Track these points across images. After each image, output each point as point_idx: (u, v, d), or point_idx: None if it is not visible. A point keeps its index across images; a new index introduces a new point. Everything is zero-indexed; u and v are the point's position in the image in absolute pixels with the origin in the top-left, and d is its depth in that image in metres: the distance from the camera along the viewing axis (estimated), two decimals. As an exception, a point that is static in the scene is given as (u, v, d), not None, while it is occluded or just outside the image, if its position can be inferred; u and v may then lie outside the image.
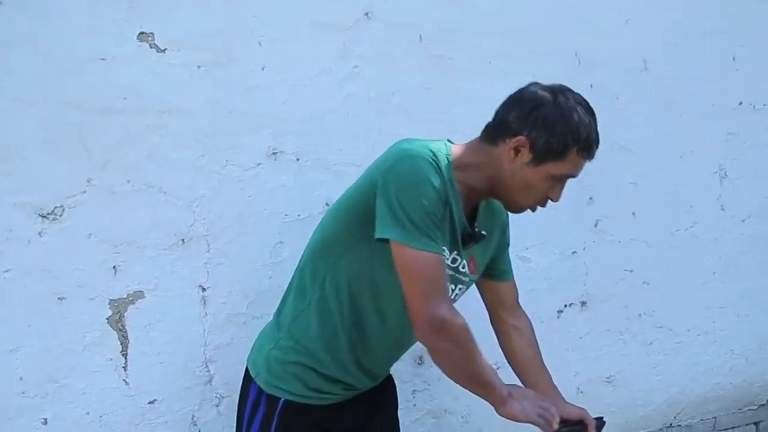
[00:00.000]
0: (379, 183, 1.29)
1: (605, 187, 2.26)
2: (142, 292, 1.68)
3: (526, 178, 1.36)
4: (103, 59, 1.60)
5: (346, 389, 1.46)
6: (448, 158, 1.35)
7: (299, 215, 1.81)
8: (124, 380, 1.68)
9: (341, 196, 1.43)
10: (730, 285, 2.52)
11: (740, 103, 2.45)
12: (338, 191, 1.46)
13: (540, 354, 1.65)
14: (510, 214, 1.54)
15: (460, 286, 1.44)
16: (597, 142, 1.38)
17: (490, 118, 1.88)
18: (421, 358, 2.03)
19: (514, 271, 2.14)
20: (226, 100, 1.73)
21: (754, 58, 2.44)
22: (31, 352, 1.59)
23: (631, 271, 2.35)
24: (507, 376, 1.54)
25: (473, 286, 1.55)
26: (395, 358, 1.53)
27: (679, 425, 2.52)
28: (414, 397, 2.03)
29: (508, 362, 1.65)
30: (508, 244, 1.62)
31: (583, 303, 2.29)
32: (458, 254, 1.40)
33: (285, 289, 1.52)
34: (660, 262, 2.39)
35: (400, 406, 1.68)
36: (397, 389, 1.67)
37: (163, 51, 1.65)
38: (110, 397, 1.67)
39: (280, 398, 1.43)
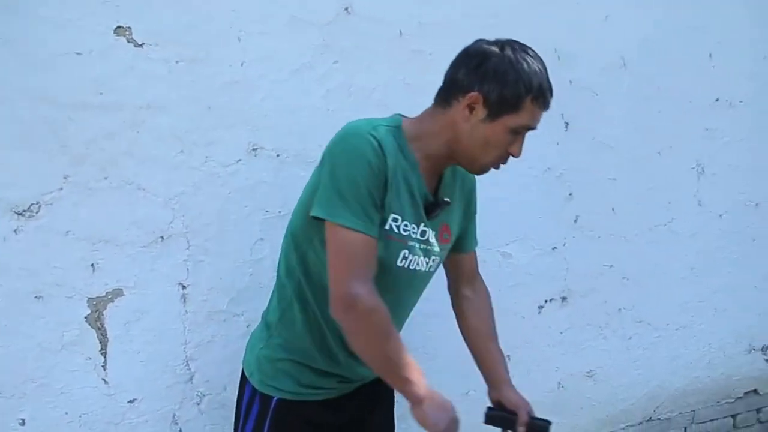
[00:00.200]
0: (321, 165, 1.32)
1: (585, 183, 2.28)
2: (121, 290, 1.66)
3: (484, 135, 1.34)
4: (78, 54, 1.58)
5: (341, 382, 1.46)
6: (397, 131, 1.34)
7: (280, 212, 1.80)
8: (103, 379, 1.66)
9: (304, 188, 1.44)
10: (707, 280, 2.56)
11: (717, 100, 2.49)
12: (319, 187, 1.45)
13: (493, 328, 1.62)
14: (476, 179, 1.53)
15: (433, 257, 1.43)
16: (550, 90, 1.36)
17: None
18: (403, 354, 2.03)
19: (495, 268, 2.17)
20: (205, 95, 1.71)
21: (730, 55, 2.47)
22: (7, 352, 1.56)
23: (611, 266, 2.37)
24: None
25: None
26: None
27: (659, 418, 2.55)
28: (398, 393, 2.03)
29: (461, 333, 1.63)
30: (474, 212, 1.60)
31: (564, 298, 2.31)
32: (425, 226, 1.39)
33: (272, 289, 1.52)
34: (639, 257, 2.41)
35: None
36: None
37: (141, 46, 1.63)
38: (89, 397, 1.65)
39: (273, 397, 1.43)
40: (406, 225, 1.35)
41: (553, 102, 2.12)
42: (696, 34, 2.40)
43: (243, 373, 1.51)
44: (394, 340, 1.31)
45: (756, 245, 2.63)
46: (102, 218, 1.62)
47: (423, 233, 1.39)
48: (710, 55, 2.44)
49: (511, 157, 1.39)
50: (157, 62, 1.65)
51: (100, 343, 1.65)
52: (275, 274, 1.52)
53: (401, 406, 1.97)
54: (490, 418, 1.53)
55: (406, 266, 1.39)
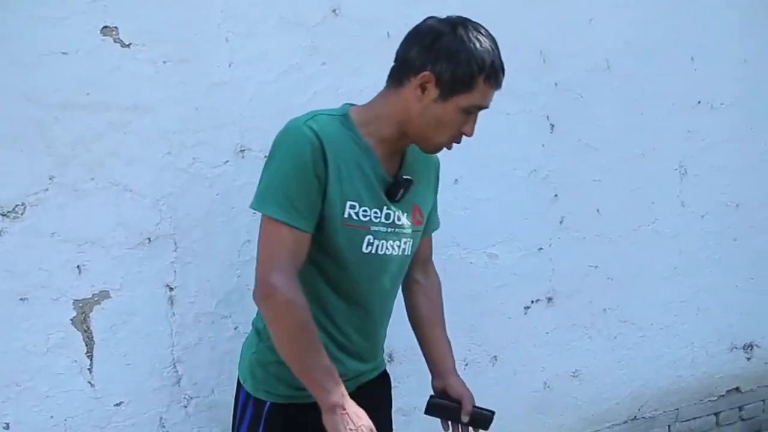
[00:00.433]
0: None
1: (570, 185, 2.29)
2: (107, 292, 1.64)
3: (437, 115, 1.33)
4: (65, 53, 1.56)
5: None
6: (344, 119, 1.35)
7: (268, 213, 1.80)
8: (89, 382, 1.65)
9: None
10: (690, 280, 2.59)
11: (699, 102, 2.52)
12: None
13: (440, 316, 1.61)
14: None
15: (404, 239, 1.43)
16: (502, 68, 1.35)
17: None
18: (390, 355, 2.04)
19: (482, 268, 2.18)
20: (193, 96, 1.70)
21: (712, 58, 2.50)
22: (-9, 355, 1.55)
23: (596, 266, 2.39)
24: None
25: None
26: (371, 332, 1.48)
27: (643, 417, 2.58)
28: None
29: (408, 317, 1.63)
30: (437, 194, 1.59)
31: (549, 299, 2.32)
32: (389, 208, 1.39)
33: None
34: (623, 257, 2.43)
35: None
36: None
37: (128, 46, 1.62)
38: (75, 400, 1.63)
39: (265, 402, 1.42)
40: (365, 210, 1.35)
41: (539, 104, 2.20)
42: (678, 38, 2.43)
43: (239, 379, 1.50)
44: (308, 337, 1.29)
45: (737, 245, 2.67)
46: (88, 219, 1.61)
47: (387, 216, 1.38)
48: (692, 59, 2.47)
49: (464, 136, 1.38)
50: (144, 62, 1.64)
51: (86, 345, 1.64)
52: None
53: (402, 397, 1.99)
54: (433, 407, 1.53)
55: (374, 252, 1.38)
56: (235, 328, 1.78)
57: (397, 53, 1.38)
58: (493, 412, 1.51)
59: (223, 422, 1.71)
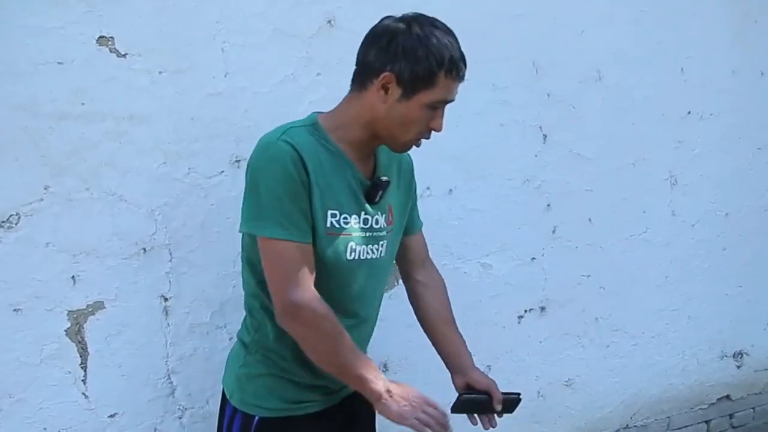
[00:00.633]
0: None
1: (563, 194, 2.31)
2: (102, 302, 1.64)
3: (402, 114, 1.33)
4: (60, 63, 1.56)
5: (326, 394, 1.45)
6: (314, 128, 1.34)
7: (263, 223, 1.80)
8: (83, 394, 1.64)
9: None
10: (681, 288, 2.61)
11: (688, 113, 2.55)
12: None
13: (450, 313, 1.60)
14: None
15: (381, 242, 1.43)
16: (463, 60, 1.34)
17: (448, 126, 1.87)
18: (385, 365, 2.04)
19: (476, 278, 2.19)
20: (188, 106, 1.70)
21: (701, 70, 2.53)
22: (-16, 367, 1.53)
23: (588, 276, 2.40)
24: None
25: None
26: (357, 338, 1.44)
27: (636, 425, 2.59)
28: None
29: (418, 321, 1.62)
30: (416, 193, 1.60)
31: (543, 308, 2.33)
32: (367, 213, 1.39)
33: None
34: (615, 266, 2.45)
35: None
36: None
37: (124, 56, 1.62)
38: (69, 412, 1.62)
39: (254, 416, 1.41)
40: (346, 218, 1.35)
41: (532, 114, 2.21)
42: (668, 49, 2.46)
43: (223, 393, 1.49)
44: (344, 341, 1.31)
45: (726, 254, 2.69)
46: (83, 230, 1.61)
47: (366, 221, 1.39)
48: (682, 70, 2.50)
49: (433, 132, 1.38)
50: (140, 73, 1.64)
51: (81, 356, 1.63)
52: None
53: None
54: (464, 403, 1.50)
55: (357, 258, 1.38)
56: (230, 339, 1.77)
57: (357, 57, 1.38)
58: (519, 393, 1.52)
59: (218, 433, 1.70)
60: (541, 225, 2.30)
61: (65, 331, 1.61)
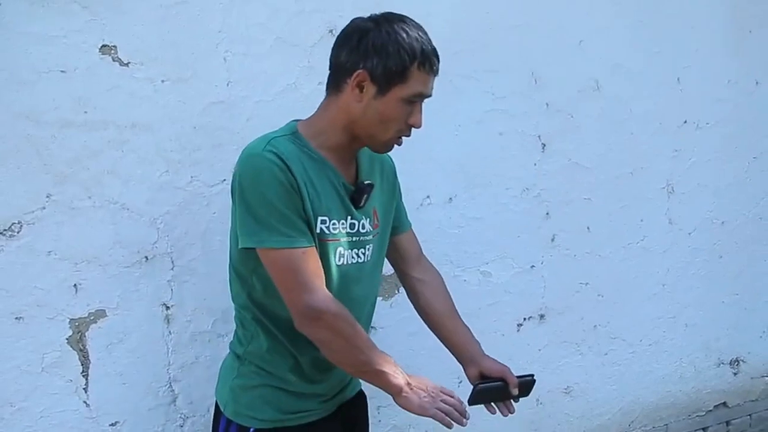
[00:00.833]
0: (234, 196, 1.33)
1: (561, 203, 2.32)
2: (103, 310, 1.64)
3: (380, 111, 1.33)
4: (63, 71, 1.57)
5: (324, 402, 1.46)
6: (294, 137, 1.35)
7: (264, 231, 1.80)
8: (84, 402, 1.63)
9: None
10: (678, 296, 2.62)
11: (685, 122, 2.57)
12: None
13: (452, 305, 1.61)
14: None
15: (368, 245, 1.43)
16: (435, 53, 1.35)
17: (447, 134, 1.89)
18: (385, 373, 2.03)
19: (475, 286, 2.20)
20: (191, 115, 1.71)
21: (697, 79, 2.56)
22: (-15, 375, 1.53)
23: (587, 283, 2.41)
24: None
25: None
26: None
27: (634, 433, 2.60)
28: (379, 413, 2.03)
29: (422, 320, 1.62)
30: (400, 193, 1.60)
31: (542, 316, 2.34)
32: (353, 218, 1.39)
33: None
34: (613, 274, 2.46)
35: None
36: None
37: (126, 64, 1.63)
38: (70, 420, 1.62)
39: (249, 428, 1.40)
40: (334, 224, 1.36)
41: (531, 124, 2.23)
42: (665, 60, 2.48)
43: (216, 405, 1.49)
44: (361, 341, 1.32)
45: (723, 262, 2.71)
46: (85, 238, 1.61)
47: (352, 225, 1.39)
48: (678, 80, 2.53)
49: (413, 128, 1.38)
50: (142, 81, 1.65)
51: (82, 365, 1.62)
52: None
53: (398, 414, 1.98)
54: (481, 393, 1.49)
55: (345, 263, 1.39)
56: (232, 347, 1.77)
57: (330, 60, 1.39)
58: (533, 375, 1.52)
59: (219, 442, 1.70)
60: (540, 233, 2.31)
61: (67, 339, 1.60)
